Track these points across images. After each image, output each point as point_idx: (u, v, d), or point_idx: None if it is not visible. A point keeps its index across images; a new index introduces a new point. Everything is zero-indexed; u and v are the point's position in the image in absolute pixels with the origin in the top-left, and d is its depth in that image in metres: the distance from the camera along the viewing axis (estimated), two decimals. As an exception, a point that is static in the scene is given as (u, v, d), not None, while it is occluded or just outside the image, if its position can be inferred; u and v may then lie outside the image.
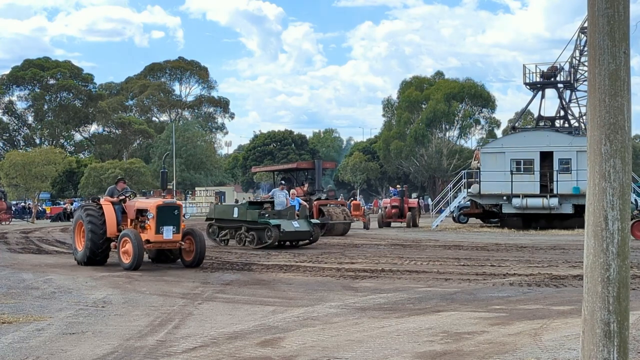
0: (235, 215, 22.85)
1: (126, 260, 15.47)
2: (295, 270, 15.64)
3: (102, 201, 16.82)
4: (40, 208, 56.46)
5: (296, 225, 22.24)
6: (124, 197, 16.81)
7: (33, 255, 20.89)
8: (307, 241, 23.05)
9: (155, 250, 16.90)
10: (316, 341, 7.90)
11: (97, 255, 16.48)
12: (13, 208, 53.96)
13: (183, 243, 16.19)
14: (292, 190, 26.88)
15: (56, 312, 10.08)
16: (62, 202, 62.18)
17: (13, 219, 50.01)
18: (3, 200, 47.25)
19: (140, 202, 16.77)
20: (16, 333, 8.52)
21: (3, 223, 43.87)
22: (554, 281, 13.45)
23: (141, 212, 16.24)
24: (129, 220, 16.54)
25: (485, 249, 21.62)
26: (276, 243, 21.91)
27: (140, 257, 15.33)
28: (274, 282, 13.62)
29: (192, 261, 16.20)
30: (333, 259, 18.47)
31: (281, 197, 24.02)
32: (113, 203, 16.70)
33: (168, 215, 15.87)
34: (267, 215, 22.24)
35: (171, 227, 15.85)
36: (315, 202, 29.95)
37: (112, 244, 16.43)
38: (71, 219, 51.03)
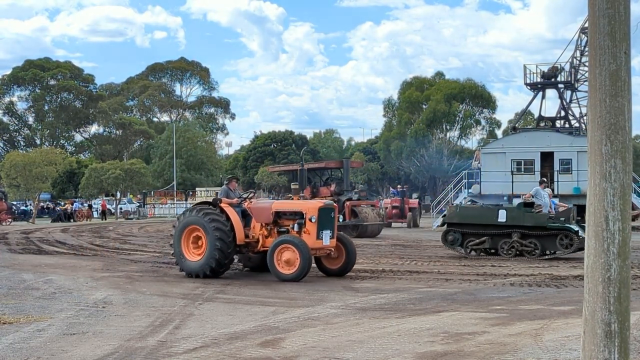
0: (503, 219, 18.66)
1: (287, 270, 13.46)
2: (295, 270, 15.61)
3: (222, 204, 14.58)
4: (57, 209, 56.41)
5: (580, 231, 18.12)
6: (244, 198, 15.01)
7: (33, 255, 20.89)
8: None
9: (261, 256, 14.75)
10: (317, 341, 7.90)
11: (223, 265, 14.20)
12: (33, 208, 53.96)
13: (332, 249, 14.39)
14: (547, 190, 21.74)
15: (57, 313, 10.09)
16: (62, 203, 62.18)
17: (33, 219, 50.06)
18: (3, 200, 47.22)
19: (281, 203, 15.20)
20: (17, 333, 8.53)
21: (3, 223, 43.86)
22: (555, 281, 13.46)
23: (279, 215, 14.42)
24: (257, 225, 14.46)
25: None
26: (572, 253, 18.17)
27: (309, 266, 13.49)
28: (274, 282, 13.60)
29: (341, 269, 14.38)
30: (334, 259, 18.45)
31: (546, 197, 19.38)
32: (233, 205, 14.64)
33: (326, 218, 14.07)
34: (563, 219, 18.28)
35: (329, 231, 14.03)
36: (347, 203, 29.35)
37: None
38: (72, 220, 51.57)
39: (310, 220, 13.85)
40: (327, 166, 35.00)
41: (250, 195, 15.43)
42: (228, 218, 14.18)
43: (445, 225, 19.83)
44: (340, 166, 33.42)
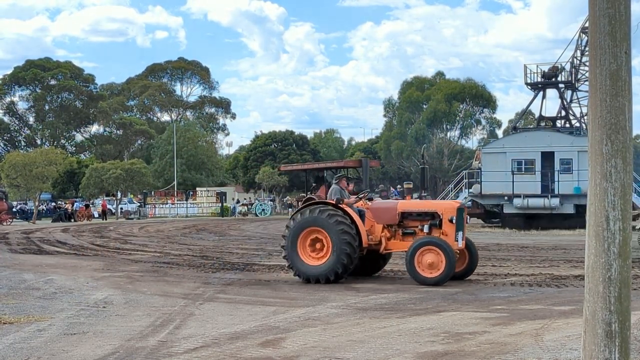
0: None
1: (430, 274, 12.74)
2: (296, 270, 15.61)
3: (343, 205, 13.62)
4: (63, 208, 56.55)
5: None
6: (360, 198, 14.29)
7: (34, 255, 20.90)
8: None
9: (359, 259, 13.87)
10: (317, 341, 7.90)
11: (349, 269, 13.30)
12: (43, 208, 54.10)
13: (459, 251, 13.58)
14: None
15: (57, 313, 10.09)
16: (63, 203, 62.20)
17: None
18: (4, 200, 47.23)
19: (409, 203, 14.40)
20: (17, 333, 8.53)
21: (4, 223, 43.86)
22: (556, 281, 13.45)
23: (405, 216, 13.73)
24: (376, 226, 13.77)
25: (486, 249, 21.60)
26: None
27: (454, 270, 12.88)
28: (275, 282, 13.61)
29: (464, 272, 13.63)
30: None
31: None
32: (351, 206, 13.74)
33: (460, 219, 13.40)
34: None
35: (461, 232, 13.33)
36: None
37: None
38: (72, 220, 51.54)
39: (450, 221, 13.24)
40: (346, 165, 34.60)
41: (365, 195, 14.72)
42: (352, 219, 13.37)
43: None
44: (358, 165, 33.03)
